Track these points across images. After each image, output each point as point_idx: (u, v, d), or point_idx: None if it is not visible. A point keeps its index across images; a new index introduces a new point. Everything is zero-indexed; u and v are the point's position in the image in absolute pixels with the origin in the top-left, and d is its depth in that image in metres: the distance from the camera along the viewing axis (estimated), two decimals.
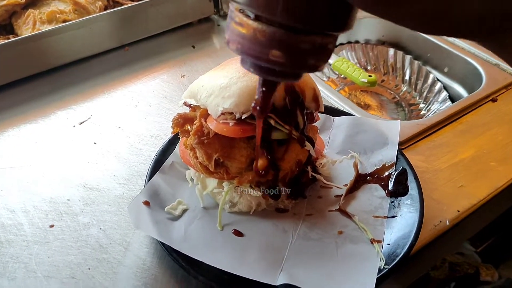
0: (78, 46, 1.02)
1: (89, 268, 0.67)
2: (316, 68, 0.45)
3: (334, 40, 0.45)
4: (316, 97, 0.73)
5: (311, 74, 1.00)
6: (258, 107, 0.57)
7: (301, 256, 0.67)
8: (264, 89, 0.55)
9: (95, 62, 1.05)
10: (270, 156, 0.68)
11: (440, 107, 1.11)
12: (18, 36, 1.01)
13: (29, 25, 1.00)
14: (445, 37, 1.16)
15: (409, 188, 0.75)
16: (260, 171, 0.66)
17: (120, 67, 1.04)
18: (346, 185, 0.78)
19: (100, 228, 0.72)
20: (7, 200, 0.76)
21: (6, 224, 0.72)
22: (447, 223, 0.75)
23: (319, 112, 0.75)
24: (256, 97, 0.57)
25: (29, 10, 1.02)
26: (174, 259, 0.65)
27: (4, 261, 0.67)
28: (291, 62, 0.44)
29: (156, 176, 0.75)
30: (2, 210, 0.74)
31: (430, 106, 1.14)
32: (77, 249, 0.69)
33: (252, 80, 0.67)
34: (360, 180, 0.79)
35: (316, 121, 0.75)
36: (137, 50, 1.09)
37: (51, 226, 0.72)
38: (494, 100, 0.99)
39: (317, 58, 0.45)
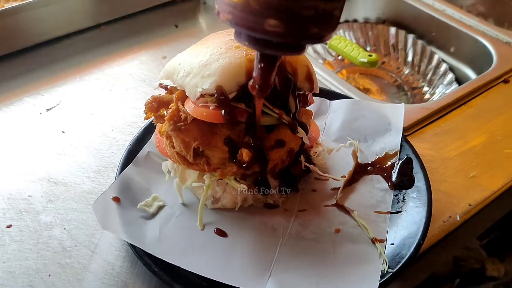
0: (48, 25, 0.93)
1: (49, 275, 0.58)
2: (321, 37, 0.41)
3: (341, 5, 0.40)
4: (310, 76, 0.64)
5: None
6: (257, 86, 0.52)
7: (292, 259, 0.59)
8: (262, 65, 0.50)
9: (67, 43, 0.96)
10: (257, 145, 0.59)
11: (445, 90, 1.03)
12: None
13: None
14: (451, 15, 1.06)
15: (415, 180, 0.66)
16: (245, 163, 0.57)
17: (95, 48, 0.95)
18: (344, 176, 0.69)
19: (64, 228, 0.63)
20: None
21: None
22: (458, 219, 0.66)
23: (314, 94, 0.66)
24: (254, 74, 0.52)
25: None
26: (146, 264, 0.56)
27: None
28: (291, 31, 0.40)
29: (129, 169, 0.67)
30: None
31: (434, 89, 1.05)
32: (37, 252, 0.61)
33: (236, 56, 0.58)
34: (360, 171, 0.70)
35: (310, 104, 0.66)
36: (114, 29, 1.00)
37: (9, 226, 0.64)
38: (506, 81, 0.90)
39: (322, 26, 0.41)
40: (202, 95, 0.57)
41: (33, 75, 0.88)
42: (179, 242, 0.60)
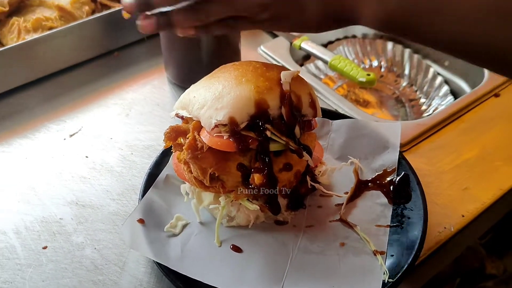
0: (66, 53, 0.99)
1: None
2: None
3: None
4: (313, 103, 0.70)
5: (305, 75, 0.97)
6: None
7: (302, 271, 0.65)
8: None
9: (84, 70, 1.02)
10: (268, 169, 0.65)
11: (441, 102, 1.08)
12: (3, 45, 0.98)
13: (14, 34, 0.96)
14: None
15: (412, 195, 0.73)
16: (256, 186, 0.64)
17: (110, 74, 1.01)
18: (346, 192, 0.75)
19: (95, 248, 0.70)
20: None
21: None
22: (452, 229, 0.72)
23: (317, 117, 0.72)
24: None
25: (14, 18, 0.98)
26: (172, 280, 0.63)
27: None
28: None
29: (150, 192, 0.73)
30: None
31: (431, 101, 1.11)
32: (72, 271, 0.67)
33: (246, 89, 0.64)
34: (361, 187, 0.76)
35: (314, 128, 0.72)
36: (128, 55, 1.06)
37: (44, 247, 0.70)
38: (496, 95, 0.96)
39: None
40: (216, 126, 0.63)
41: (55, 103, 0.94)
42: (199, 258, 0.66)
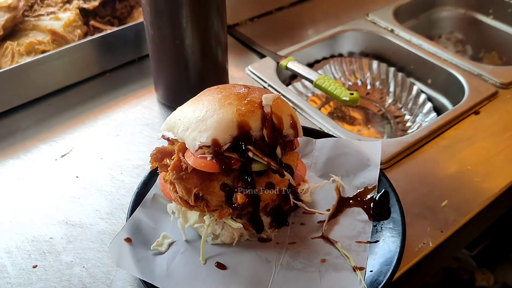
0: (59, 76, 1.02)
1: None
2: None
3: None
4: (294, 124, 0.72)
5: (292, 94, 1.00)
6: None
7: (284, 287, 0.67)
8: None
9: (76, 91, 1.04)
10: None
11: (425, 118, 1.11)
12: None
13: (8, 58, 0.99)
14: (427, 49, 1.16)
15: (391, 211, 0.75)
16: (239, 206, 0.66)
17: (101, 95, 1.04)
18: (329, 209, 0.78)
19: (83, 267, 0.72)
20: None
21: None
22: (430, 245, 0.75)
23: (299, 137, 0.75)
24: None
25: (7, 42, 1.01)
26: None
27: None
28: None
29: (138, 211, 0.75)
30: None
31: (415, 118, 1.14)
32: None
33: (228, 112, 0.67)
34: (343, 204, 0.78)
35: (295, 148, 0.75)
36: (119, 76, 1.09)
37: (34, 266, 0.72)
38: (476, 113, 0.99)
39: None
40: (200, 147, 0.66)
41: (47, 124, 0.97)
42: (185, 276, 0.68)
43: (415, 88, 1.15)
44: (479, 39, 1.39)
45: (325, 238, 0.74)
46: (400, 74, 1.18)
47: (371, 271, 0.68)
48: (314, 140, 0.88)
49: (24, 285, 0.70)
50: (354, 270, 0.68)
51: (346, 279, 0.67)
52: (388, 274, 0.66)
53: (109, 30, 1.07)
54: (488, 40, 1.37)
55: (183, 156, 0.69)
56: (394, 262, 0.67)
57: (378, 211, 0.76)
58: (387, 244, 0.71)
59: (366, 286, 0.65)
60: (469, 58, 1.40)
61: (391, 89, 1.20)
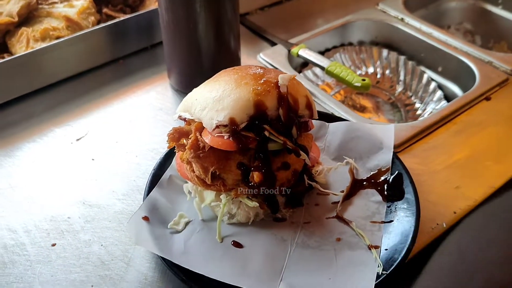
0: (73, 62, 1.03)
1: (92, 286, 0.68)
2: None
3: None
4: (309, 105, 0.73)
5: (303, 81, 1.01)
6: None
7: (300, 265, 0.68)
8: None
9: (90, 77, 1.05)
10: (266, 168, 0.68)
11: (435, 106, 1.12)
12: (12, 54, 1.02)
13: (23, 43, 1.00)
14: (438, 37, 1.16)
15: (405, 192, 0.76)
16: (256, 184, 0.67)
17: (115, 80, 1.05)
18: (342, 191, 0.78)
19: (102, 245, 0.73)
20: (8, 220, 0.77)
21: (9, 244, 0.73)
22: (444, 226, 0.75)
23: (313, 119, 0.76)
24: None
25: (22, 28, 1.02)
26: (175, 273, 0.66)
27: (9, 282, 0.68)
28: None
29: (154, 191, 0.76)
30: (4, 230, 0.75)
31: (425, 106, 1.14)
32: (80, 266, 0.70)
33: (245, 91, 0.67)
34: (357, 186, 0.79)
35: (310, 129, 0.76)
36: (132, 62, 1.10)
37: (53, 244, 0.73)
38: (488, 99, 0.99)
39: None
40: (217, 126, 0.67)
41: (61, 109, 0.98)
42: (202, 253, 0.69)
43: (425, 76, 1.16)
44: (488, 29, 1.40)
45: (339, 218, 0.75)
46: (410, 63, 1.19)
47: (386, 249, 0.69)
48: (327, 124, 0.89)
49: (44, 263, 0.71)
50: (369, 249, 0.69)
51: (361, 257, 0.68)
52: (404, 252, 0.67)
53: (122, 17, 1.08)
54: (497, 30, 1.37)
55: (200, 135, 0.70)
56: (409, 240, 0.68)
57: (392, 192, 0.77)
58: (402, 223, 0.72)
59: (381, 264, 0.66)
60: None
61: (401, 77, 1.21)
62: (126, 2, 1.18)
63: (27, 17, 1.06)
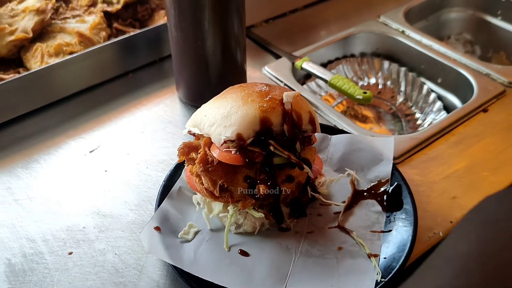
0: (85, 76, 1.07)
1: None
2: None
3: None
4: (312, 120, 0.77)
5: (307, 93, 1.05)
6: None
7: (304, 273, 0.72)
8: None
9: (101, 90, 1.10)
10: (272, 181, 0.72)
11: (435, 117, 1.15)
12: (27, 69, 1.06)
13: (38, 59, 1.05)
14: (437, 49, 1.20)
15: (404, 203, 0.79)
16: (262, 196, 0.71)
17: (125, 94, 1.09)
18: (344, 202, 0.82)
19: (115, 254, 0.77)
20: (27, 230, 0.81)
21: (28, 253, 0.77)
22: (441, 234, 0.79)
23: (316, 133, 0.79)
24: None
25: (37, 44, 1.07)
26: (186, 281, 0.70)
27: None
28: None
29: (165, 202, 0.80)
30: (24, 240, 0.79)
31: (425, 116, 1.18)
32: (95, 274, 0.74)
33: (251, 108, 0.71)
34: (358, 197, 0.83)
35: (313, 143, 0.80)
36: (141, 76, 1.14)
37: (70, 253, 0.77)
38: (485, 111, 1.03)
39: None
40: (225, 142, 0.71)
41: (75, 122, 1.02)
42: (210, 262, 0.73)
43: (425, 87, 1.20)
44: (487, 39, 1.43)
45: (341, 227, 0.78)
46: (410, 74, 1.23)
47: (385, 258, 0.73)
48: (329, 136, 0.92)
49: (61, 270, 0.75)
50: (369, 257, 0.73)
51: (361, 265, 0.72)
52: (401, 260, 0.70)
53: (132, 32, 1.12)
54: (496, 40, 1.41)
55: (209, 150, 0.74)
56: (407, 249, 0.72)
57: (391, 203, 0.80)
58: (400, 233, 0.75)
59: (380, 272, 0.70)
60: (478, 58, 1.44)
61: (402, 88, 1.24)
62: (135, 16, 1.22)
63: (41, 32, 1.10)
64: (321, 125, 0.91)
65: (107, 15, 1.18)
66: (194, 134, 0.79)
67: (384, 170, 0.85)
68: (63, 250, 0.78)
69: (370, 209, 0.81)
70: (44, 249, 0.78)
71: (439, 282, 0.41)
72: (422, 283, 0.44)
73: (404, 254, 0.71)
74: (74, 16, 1.14)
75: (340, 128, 0.98)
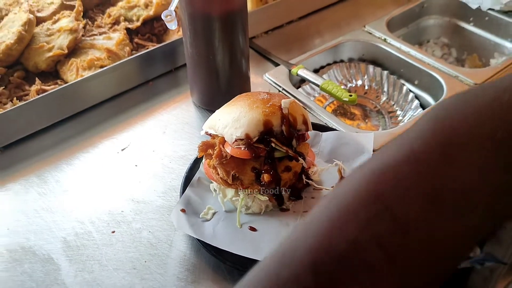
0: (113, 85, 1.25)
1: (145, 261, 0.90)
2: None
3: None
4: (305, 121, 0.95)
5: (302, 95, 1.23)
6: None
7: None
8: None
9: (126, 97, 1.27)
10: (273, 171, 0.91)
11: (413, 113, 1.34)
12: (64, 81, 1.25)
13: (73, 72, 1.23)
14: (414, 55, 1.38)
15: None
16: (266, 183, 0.90)
17: (147, 100, 1.27)
18: (333, 186, 1.01)
19: (149, 231, 0.96)
20: (77, 214, 0.99)
21: (79, 232, 0.96)
22: None
23: (309, 131, 0.98)
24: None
25: (72, 59, 1.25)
26: (208, 250, 0.88)
27: (83, 260, 0.91)
28: None
29: (187, 190, 0.99)
30: (75, 222, 0.98)
31: (405, 113, 1.36)
32: (135, 248, 0.93)
33: (256, 113, 0.90)
34: None
35: (307, 139, 0.98)
36: (159, 84, 1.32)
37: (113, 232, 0.96)
38: None
39: None
40: (236, 140, 0.89)
41: (106, 124, 1.20)
42: (226, 236, 0.91)
43: (404, 88, 1.38)
44: (462, 43, 1.61)
45: None
46: (392, 77, 1.41)
47: None
48: (321, 133, 1.11)
49: (107, 245, 0.94)
50: None
51: None
52: None
53: (151, 46, 1.30)
54: (469, 44, 1.59)
55: (223, 147, 0.92)
56: None
57: None
58: None
59: None
60: (454, 60, 1.63)
61: (385, 89, 1.43)
62: (152, 31, 1.41)
63: (74, 48, 1.29)
64: (314, 124, 1.10)
65: (128, 31, 1.36)
66: (210, 134, 0.97)
67: (365, 160, 1.04)
68: (107, 229, 0.97)
69: None
70: (92, 229, 0.97)
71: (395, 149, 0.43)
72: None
73: None
74: (100, 33, 1.32)
75: (330, 126, 1.17)
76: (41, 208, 1.02)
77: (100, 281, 0.88)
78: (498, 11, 1.52)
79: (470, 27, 1.59)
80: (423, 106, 1.35)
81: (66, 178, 1.08)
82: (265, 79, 1.33)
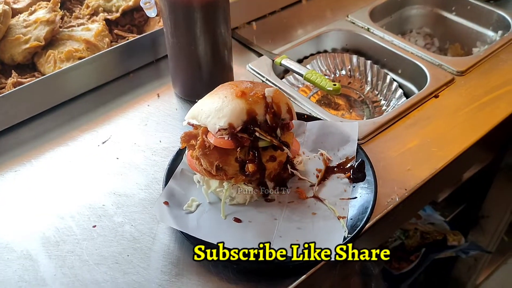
0: (92, 77, 1.22)
1: (128, 255, 0.88)
2: None
3: None
4: (289, 110, 0.94)
5: (286, 86, 1.22)
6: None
7: (286, 232, 0.89)
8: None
9: (107, 89, 1.25)
10: (258, 161, 0.89)
11: (397, 102, 1.33)
12: (41, 73, 1.22)
13: (51, 64, 1.20)
14: (397, 44, 1.38)
15: (366, 175, 0.97)
16: (250, 173, 0.88)
17: (128, 91, 1.24)
18: (318, 176, 1.00)
19: (132, 225, 0.94)
20: (57, 209, 0.97)
21: (60, 227, 0.94)
22: (397, 200, 0.97)
23: (293, 120, 0.97)
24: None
25: (49, 50, 1.21)
26: (192, 243, 0.86)
27: (63, 255, 0.89)
28: None
29: (171, 182, 0.97)
30: (55, 217, 0.95)
31: (389, 102, 1.36)
32: (117, 242, 0.91)
33: (239, 102, 0.88)
34: (329, 172, 1.00)
35: (291, 129, 0.97)
36: (140, 75, 1.29)
37: (94, 226, 0.94)
38: (436, 96, 1.21)
39: None
40: (219, 130, 0.87)
41: (86, 117, 1.17)
42: (210, 227, 0.89)
43: (388, 77, 1.37)
44: (444, 32, 1.62)
45: (315, 197, 0.96)
46: (375, 66, 1.40)
47: (351, 219, 0.90)
48: (305, 122, 1.10)
49: (88, 240, 0.91)
50: (338, 219, 0.90)
51: (332, 225, 0.90)
52: (364, 221, 0.88)
53: (131, 37, 1.28)
54: (452, 33, 1.60)
55: (206, 137, 0.90)
56: (368, 212, 0.89)
57: (356, 176, 0.98)
58: (363, 199, 0.93)
59: (347, 229, 0.88)
60: (437, 49, 1.63)
61: (369, 78, 1.42)
62: (133, 22, 1.38)
63: (51, 40, 1.25)
64: (298, 114, 1.09)
65: (107, 22, 1.33)
66: (192, 125, 0.95)
67: (350, 149, 1.03)
68: (88, 224, 0.94)
69: (339, 181, 0.98)
70: (72, 224, 0.94)
71: None
72: None
73: (366, 216, 0.89)
74: (79, 25, 1.29)
75: (315, 115, 1.16)
76: (19, 203, 0.99)
77: (81, 276, 0.85)
78: (479, 0, 1.52)
79: (452, 17, 1.59)
80: (406, 95, 1.35)
81: (45, 173, 1.05)
82: (248, 69, 1.32)
